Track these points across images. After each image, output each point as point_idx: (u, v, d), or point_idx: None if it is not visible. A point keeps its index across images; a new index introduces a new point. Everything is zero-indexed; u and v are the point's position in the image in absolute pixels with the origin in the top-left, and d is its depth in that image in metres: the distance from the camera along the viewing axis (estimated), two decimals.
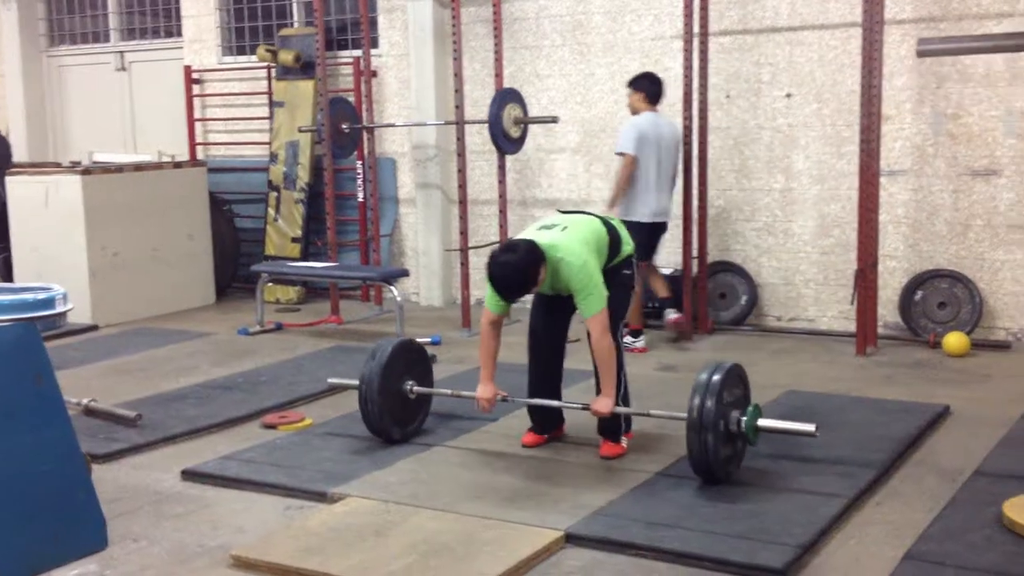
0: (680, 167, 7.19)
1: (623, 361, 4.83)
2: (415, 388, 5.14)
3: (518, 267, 4.52)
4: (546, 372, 4.99)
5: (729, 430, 4.36)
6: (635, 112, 6.99)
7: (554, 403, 4.97)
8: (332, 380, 5.57)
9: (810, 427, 4.41)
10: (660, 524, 3.95)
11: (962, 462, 4.63)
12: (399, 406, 5.08)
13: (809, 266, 7.55)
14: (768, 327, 7.64)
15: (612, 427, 4.83)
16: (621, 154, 6.83)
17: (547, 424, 5.05)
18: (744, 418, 4.38)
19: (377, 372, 4.98)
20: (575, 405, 4.86)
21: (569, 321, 5.02)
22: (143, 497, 4.50)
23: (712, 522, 3.96)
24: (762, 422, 4.44)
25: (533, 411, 5.04)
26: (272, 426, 5.43)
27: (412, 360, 5.21)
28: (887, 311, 7.26)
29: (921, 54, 5.55)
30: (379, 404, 4.97)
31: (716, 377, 4.34)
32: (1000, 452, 4.73)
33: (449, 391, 5.22)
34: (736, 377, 4.48)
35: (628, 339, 6.78)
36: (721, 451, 4.33)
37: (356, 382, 5.10)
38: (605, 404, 4.66)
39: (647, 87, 6.98)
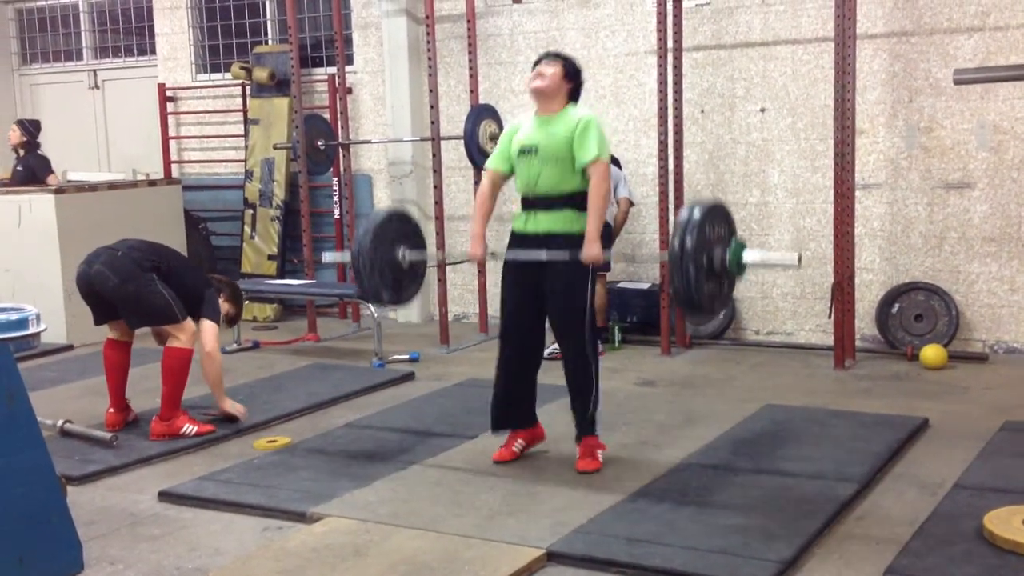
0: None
1: (598, 370, 4.82)
2: (407, 255, 5.07)
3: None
4: (520, 377, 4.96)
5: (713, 267, 4.28)
6: None
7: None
8: (327, 256, 5.61)
9: (792, 257, 4.38)
10: (642, 541, 3.94)
11: (942, 475, 4.64)
12: (391, 271, 5.01)
13: (786, 280, 7.58)
14: (746, 341, 7.66)
15: (587, 424, 4.80)
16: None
17: (515, 417, 4.99)
18: (728, 255, 4.31)
19: (370, 233, 4.92)
20: (562, 256, 4.68)
21: (543, 322, 4.95)
22: (119, 519, 4.45)
23: (694, 538, 3.95)
24: (747, 256, 4.36)
25: (500, 403, 4.98)
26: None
27: (405, 230, 5.15)
28: (864, 324, 7.28)
29: (958, 82, 5.73)
30: (371, 264, 4.90)
31: (697, 213, 4.26)
32: (980, 464, 4.74)
33: (440, 258, 5.17)
34: (718, 214, 4.38)
35: None
36: (705, 285, 4.25)
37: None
38: (592, 249, 4.60)
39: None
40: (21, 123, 9.06)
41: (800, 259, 4.40)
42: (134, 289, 5.38)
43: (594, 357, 4.79)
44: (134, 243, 5.61)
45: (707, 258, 4.27)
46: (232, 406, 5.70)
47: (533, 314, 4.89)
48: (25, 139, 8.92)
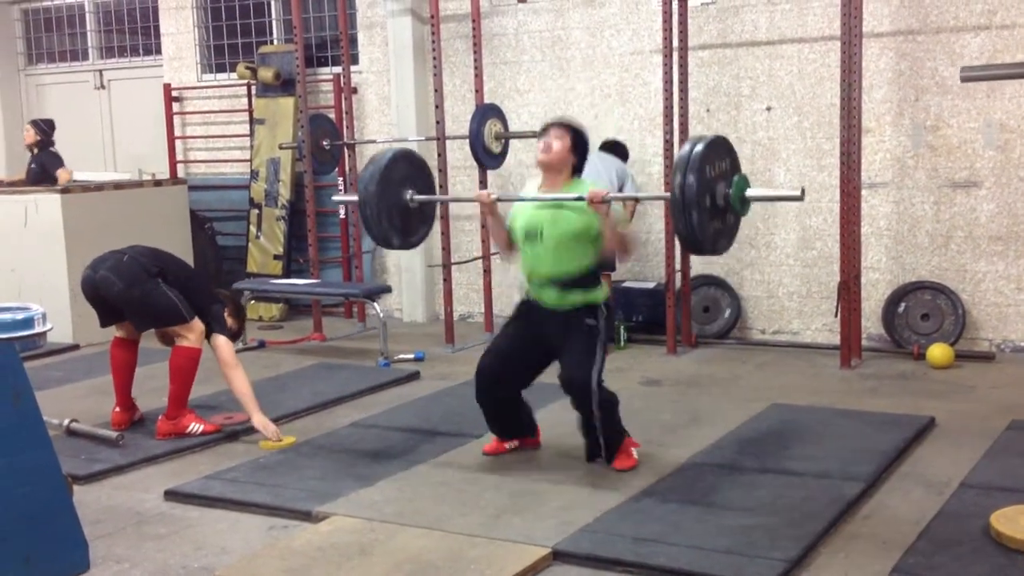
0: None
1: (616, 405, 4.81)
2: (415, 197, 5.08)
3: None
4: (500, 408, 4.99)
5: (716, 203, 4.22)
6: None
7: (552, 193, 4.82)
8: (336, 197, 5.58)
9: (796, 192, 4.30)
10: (647, 540, 3.93)
11: (949, 474, 4.63)
12: (399, 213, 5.05)
13: (792, 279, 7.56)
14: (752, 340, 7.65)
15: (613, 443, 4.79)
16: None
17: (509, 429, 5.02)
18: (730, 190, 4.24)
19: (376, 178, 4.94)
20: (570, 197, 4.65)
21: (530, 376, 4.94)
22: (125, 518, 4.45)
23: (699, 537, 3.94)
24: (750, 192, 4.30)
25: (491, 417, 5.01)
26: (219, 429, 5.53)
27: (413, 171, 5.16)
28: (870, 323, 7.27)
29: (965, 79, 5.73)
30: (378, 211, 4.93)
31: (698, 149, 4.18)
32: (986, 463, 4.73)
33: (448, 197, 5.19)
34: (720, 149, 4.30)
35: None
36: (709, 226, 4.19)
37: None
38: (601, 192, 4.56)
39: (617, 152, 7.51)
40: (35, 123, 9.16)
41: (803, 192, 4.32)
42: (139, 293, 5.39)
43: (604, 403, 4.71)
44: (141, 249, 5.62)
45: (709, 197, 4.18)
46: (264, 424, 5.43)
47: (523, 364, 4.86)
48: (39, 138, 9.01)
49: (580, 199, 4.58)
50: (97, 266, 5.49)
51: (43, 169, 8.90)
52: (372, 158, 5.14)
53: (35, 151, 9.03)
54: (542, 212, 4.71)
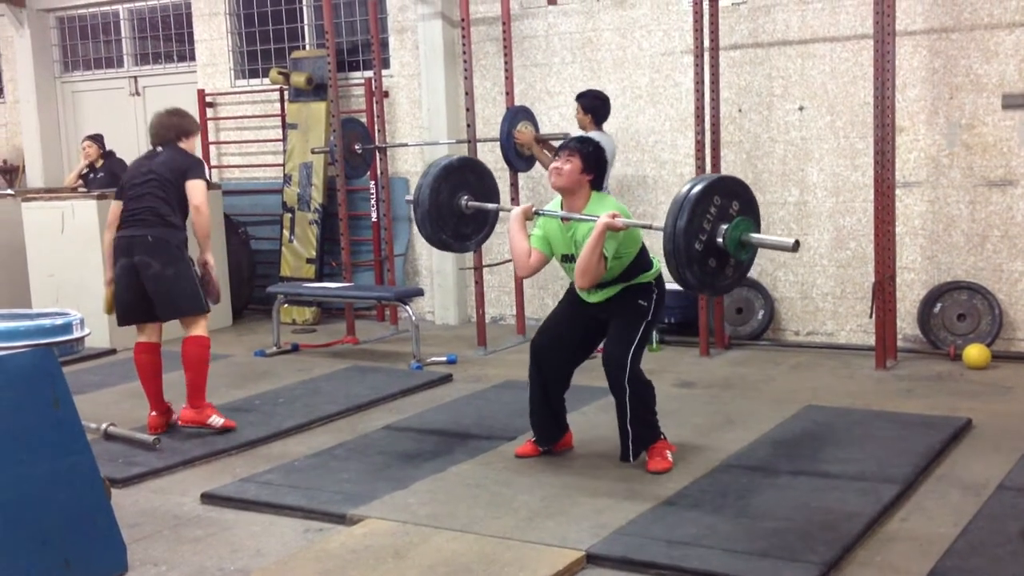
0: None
1: (650, 394, 4.86)
2: (470, 203, 5.25)
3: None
4: (549, 393, 4.99)
5: (716, 244, 4.22)
6: (582, 129, 7.15)
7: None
8: (409, 198, 5.83)
9: (788, 241, 4.29)
10: (681, 543, 3.92)
11: (986, 476, 4.58)
12: (453, 218, 5.26)
13: (826, 279, 7.52)
14: (786, 341, 7.60)
15: (641, 437, 4.80)
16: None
17: (549, 435, 5.05)
18: (727, 231, 4.21)
19: (428, 184, 5.16)
20: (590, 218, 4.66)
21: (580, 353, 4.99)
22: (163, 521, 4.49)
23: (734, 540, 3.93)
24: (751, 236, 4.27)
25: (536, 422, 5.05)
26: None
27: (470, 177, 5.34)
28: (906, 324, 7.21)
29: (1006, 107, 5.76)
30: (429, 214, 5.15)
31: (696, 189, 4.18)
32: None
33: (496, 206, 5.35)
34: (722, 189, 4.27)
35: None
36: (698, 266, 4.19)
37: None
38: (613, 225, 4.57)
39: (595, 108, 7.13)
40: (93, 138, 9.52)
41: (796, 244, 4.29)
42: (173, 274, 5.53)
43: (635, 383, 4.76)
44: (145, 216, 5.58)
45: (702, 236, 4.18)
46: (213, 262, 5.82)
47: (575, 340, 4.93)
48: (101, 152, 9.44)
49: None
50: (130, 252, 5.56)
51: (114, 176, 9.16)
52: (431, 165, 5.29)
53: (98, 164, 9.41)
54: (569, 239, 4.80)
